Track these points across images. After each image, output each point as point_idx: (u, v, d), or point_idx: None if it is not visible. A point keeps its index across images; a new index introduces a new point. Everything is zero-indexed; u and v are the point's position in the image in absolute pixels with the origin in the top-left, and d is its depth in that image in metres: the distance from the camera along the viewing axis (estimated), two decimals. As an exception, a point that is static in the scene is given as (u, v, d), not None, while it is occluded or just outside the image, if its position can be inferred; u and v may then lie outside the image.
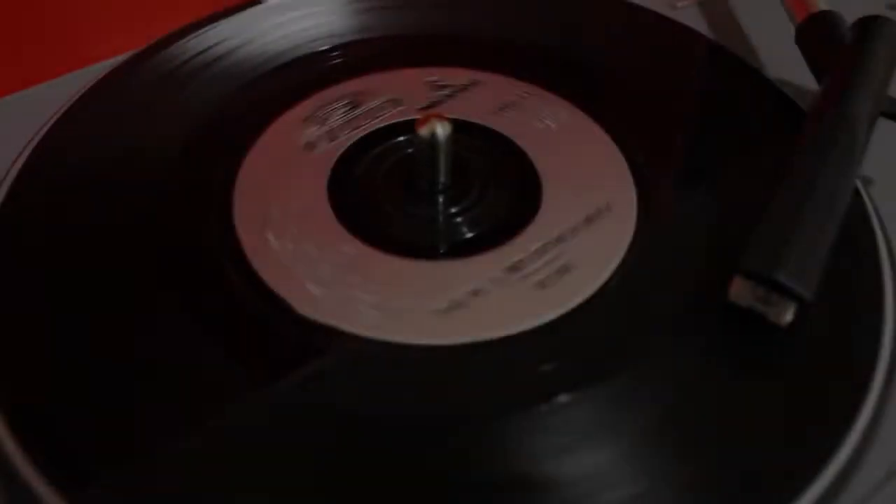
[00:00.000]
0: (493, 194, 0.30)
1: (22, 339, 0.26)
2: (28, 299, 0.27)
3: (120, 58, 0.35)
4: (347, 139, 0.31)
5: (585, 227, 0.28)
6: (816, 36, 0.34)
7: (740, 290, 0.26)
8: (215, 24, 0.36)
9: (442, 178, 0.29)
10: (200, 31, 0.35)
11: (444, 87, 0.33)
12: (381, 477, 0.23)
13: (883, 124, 0.31)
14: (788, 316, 0.25)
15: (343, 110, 0.32)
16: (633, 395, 0.24)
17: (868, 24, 0.32)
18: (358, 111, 0.32)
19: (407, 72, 0.34)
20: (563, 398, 0.24)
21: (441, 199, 0.29)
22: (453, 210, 0.29)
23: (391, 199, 0.29)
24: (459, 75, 0.34)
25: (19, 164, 0.30)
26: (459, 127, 0.30)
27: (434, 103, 0.32)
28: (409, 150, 0.31)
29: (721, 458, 0.23)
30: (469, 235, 0.28)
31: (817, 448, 0.24)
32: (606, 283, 0.27)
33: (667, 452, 0.23)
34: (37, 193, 0.29)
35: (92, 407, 0.24)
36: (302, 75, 0.34)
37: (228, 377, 0.24)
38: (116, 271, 0.27)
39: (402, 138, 0.31)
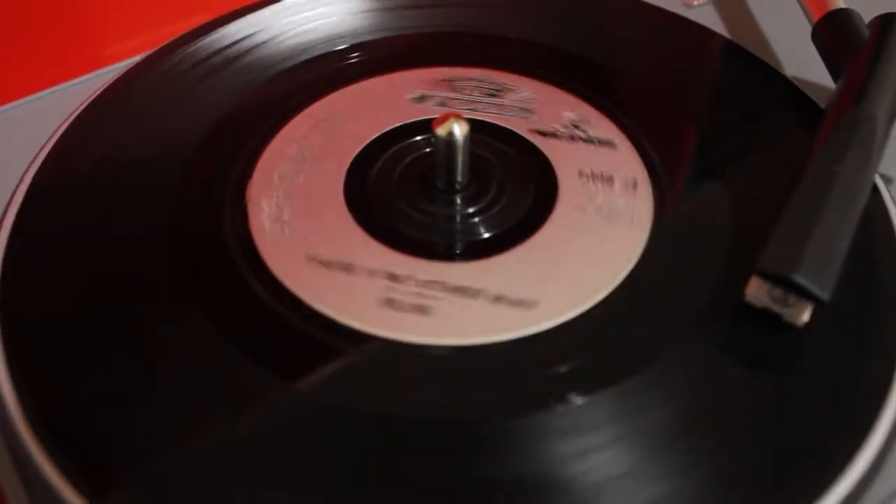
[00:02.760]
0: (509, 194, 0.30)
1: (42, 340, 0.26)
2: (49, 300, 0.27)
3: (138, 57, 0.35)
4: (365, 138, 0.31)
5: (600, 226, 0.28)
6: (833, 34, 0.34)
7: (756, 291, 0.26)
8: (231, 22, 0.36)
9: (459, 178, 0.29)
10: (216, 31, 0.35)
11: (462, 86, 0.33)
12: (390, 475, 0.23)
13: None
14: (805, 317, 0.25)
15: (360, 110, 0.32)
16: (648, 396, 0.24)
17: (885, 22, 0.32)
18: (375, 110, 0.32)
19: (425, 71, 0.34)
20: (577, 399, 0.24)
21: (458, 199, 0.29)
22: (470, 210, 0.29)
23: (409, 198, 0.29)
24: (477, 74, 0.34)
25: (37, 165, 0.30)
26: (477, 127, 0.30)
27: (452, 102, 0.33)
28: (428, 150, 0.31)
29: (736, 461, 0.23)
30: (485, 236, 0.28)
31: (837, 451, 0.23)
32: (621, 284, 0.27)
33: (681, 454, 0.23)
34: (55, 193, 0.30)
35: (113, 408, 0.24)
36: (319, 74, 0.34)
37: (247, 377, 0.25)
38: (134, 271, 0.27)
39: (419, 137, 0.31)
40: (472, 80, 0.34)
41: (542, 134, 0.32)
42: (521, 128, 0.32)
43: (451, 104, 0.32)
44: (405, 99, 0.33)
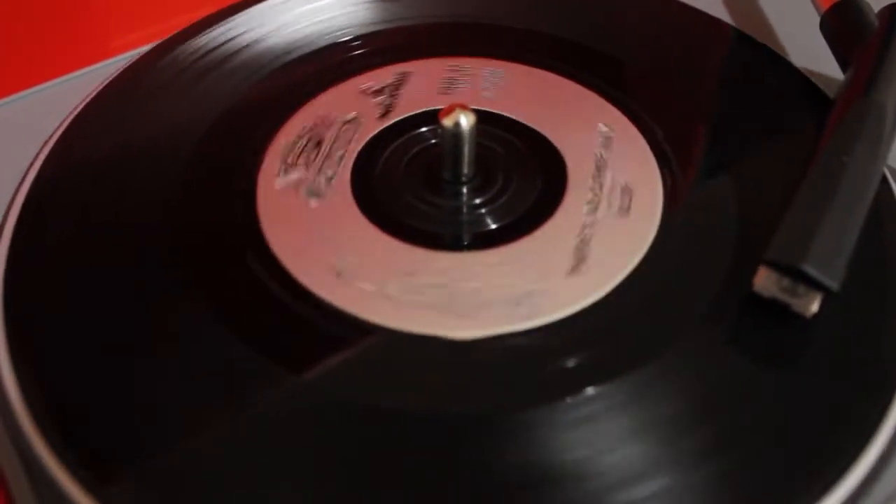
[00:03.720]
0: (517, 183, 0.30)
1: (46, 334, 0.26)
2: (54, 294, 0.27)
3: (143, 49, 0.35)
4: (371, 129, 0.31)
5: (610, 217, 0.28)
6: (842, 24, 0.34)
7: (765, 281, 0.25)
8: (236, 15, 0.36)
9: (465, 169, 0.29)
10: (221, 23, 0.35)
11: (464, 76, 0.33)
12: (399, 471, 0.23)
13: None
14: (814, 307, 0.25)
15: (388, 91, 0.32)
16: (656, 389, 0.24)
17: (894, 12, 0.32)
18: (400, 93, 0.32)
19: (429, 62, 0.34)
20: (588, 391, 0.24)
21: (465, 190, 0.29)
22: (477, 201, 0.29)
23: (415, 190, 0.29)
24: (481, 65, 0.34)
25: (43, 156, 0.30)
26: (484, 117, 0.30)
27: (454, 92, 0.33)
28: (434, 141, 0.31)
29: (744, 455, 0.23)
30: (494, 226, 0.28)
31: (845, 446, 0.23)
32: (631, 275, 0.27)
33: (689, 448, 0.23)
34: (60, 185, 0.30)
35: (118, 403, 0.24)
36: (324, 65, 0.34)
37: (254, 370, 0.25)
38: (140, 264, 0.27)
39: (426, 128, 0.31)
40: (464, 69, 0.33)
41: (542, 120, 0.31)
42: (519, 114, 0.32)
43: (448, 93, 0.32)
44: (407, 89, 0.33)
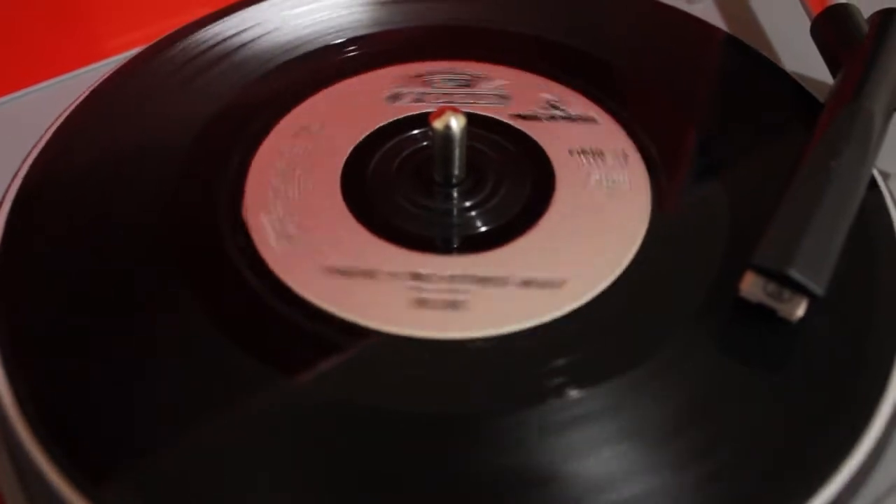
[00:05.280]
0: (507, 181, 0.30)
1: (38, 335, 0.26)
2: (46, 295, 0.27)
3: (136, 50, 0.35)
4: (361, 132, 0.31)
5: (597, 222, 0.28)
6: (832, 29, 0.34)
7: (751, 286, 0.25)
8: (228, 16, 0.36)
9: (456, 172, 0.29)
10: (213, 24, 0.35)
11: (460, 80, 0.33)
12: (393, 470, 0.23)
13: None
14: (800, 312, 0.25)
15: (357, 103, 0.32)
16: (642, 391, 0.24)
17: (885, 17, 0.32)
18: (373, 103, 0.32)
19: (423, 65, 0.34)
20: (574, 393, 0.24)
21: (457, 192, 0.29)
22: (471, 203, 0.29)
23: (404, 192, 0.29)
24: (475, 68, 0.34)
25: (32, 158, 0.30)
26: (474, 120, 0.30)
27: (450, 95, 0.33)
28: (425, 143, 0.31)
29: (730, 457, 0.23)
30: (483, 229, 0.28)
31: (833, 447, 0.23)
32: (617, 279, 0.27)
33: (679, 449, 0.23)
34: (52, 185, 0.30)
35: (111, 405, 0.24)
36: (317, 67, 0.34)
37: (243, 371, 0.25)
38: (130, 265, 0.27)
39: (416, 131, 0.31)
40: (441, 72, 0.34)
41: (523, 118, 0.32)
42: (500, 114, 0.32)
43: (426, 99, 0.32)
44: (381, 98, 0.33)
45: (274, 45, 0.35)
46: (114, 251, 0.28)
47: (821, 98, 0.32)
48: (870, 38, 0.32)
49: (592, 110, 0.32)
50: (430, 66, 0.34)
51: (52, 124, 0.32)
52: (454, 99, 0.32)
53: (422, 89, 0.33)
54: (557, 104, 0.32)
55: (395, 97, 0.33)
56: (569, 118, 0.32)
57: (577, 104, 0.32)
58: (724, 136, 0.32)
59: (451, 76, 0.33)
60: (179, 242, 0.28)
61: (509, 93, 0.33)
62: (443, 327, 0.25)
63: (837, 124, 0.29)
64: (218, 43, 0.35)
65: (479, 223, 0.29)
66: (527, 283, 0.26)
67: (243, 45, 0.35)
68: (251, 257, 0.27)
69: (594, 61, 0.34)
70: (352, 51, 0.35)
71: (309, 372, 0.25)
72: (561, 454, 0.23)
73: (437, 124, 0.28)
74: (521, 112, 0.32)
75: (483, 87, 0.33)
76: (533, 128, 0.31)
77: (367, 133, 0.31)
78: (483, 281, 0.27)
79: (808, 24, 0.35)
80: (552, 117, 0.32)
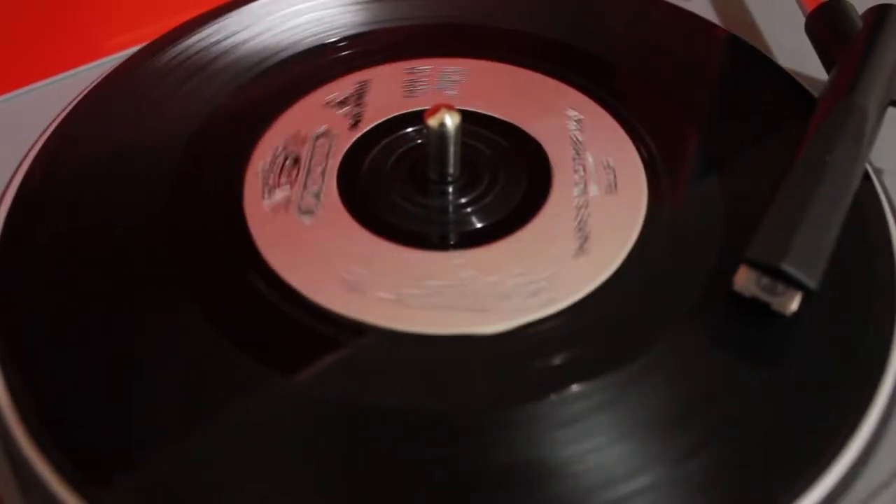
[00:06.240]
0: (503, 179, 0.30)
1: (36, 336, 0.26)
2: (44, 294, 0.27)
3: (134, 49, 0.35)
4: (358, 130, 0.31)
5: (594, 217, 0.29)
6: (826, 25, 0.34)
7: (745, 280, 0.26)
8: (226, 15, 0.36)
9: (451, 169, 0.29)
10: (211, 23, 0.36)
11: (452, 77, 0.33)
12: (393, 469, 0.23)
13: (893, 114, 0.30)
14: (793, 306, 0.25)
15: (352, 101, 0.32)
16: (638, 385, 0.24)
17: (879, 14, 0.32)
18: (365, 102, 0.32)
19: (415, 62, 0.34)
20: (573, 388, 0.24)
21: (454, 189, 0.29)
22: (467, 199, 0.29)
23: (404, 194, 0.29)
24: (468, 66, 0.34)
25: (33, 155, 0.30)
26: (469, 117, 0.30)
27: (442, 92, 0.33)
28: (413, 144, 0.31)
29: (725, 452, 0.23)
30: (480, 225, 0.29)
31: (828, 441, 0.24)
32: (614, 274, 0.27)
33: (675, 443, 0.23)
34: (51, 184, 0.30)
35: (109, 406, 0.24)
36: (315, 65, 0.34)
37: (243, 371, 0.25)
38: (129, 264, 0.27)
39: (411, 129, 0.31)
40: (442, 69, 0.34)
41: (520, 115, 0.32)
42: (498, 112, 0.32)
43: (428, 95, 0.33)
44: (383, 94, 0.33)
45: (271, 43, 0.35)
46: (113, 249, 0.28)
47: (816, 94, 0.32)
48: (864, 34, 0.32)
49: (593, 110, 0.32)
50: (432, 63, 0.34)
51: (52, 123, 0.32)
52: (453, 96, 0.33)
53: (420, 86, 0.33)
54: (558, 104, 0.32)
55: (396, 94, 0.33)
56: (569, 118, 0.32)
57: (578, 103, 0.32)
58: (718, 132, 0.32)
59: (452, 73, 0.33)
60: (178, 240, 0.28)
61: (509, 90, 0.33)
62: (432, 324, 0.26)
63: (831, 120, 0.29)
64: (216, 42, 0.35)
65: (473, 220, 0.29)
66: (514, 282, 0.27)
67: (241, 43, 0.35)
68: (248, 252, 0.27)
69: (591, 57, 0.35)
70: (348, 49, 0.35)
71: (303, 367, 0.25)
72: (557, 451, 0.23)
73: (432, 122, 0.28)
74: (519, 109, 0.32)
75: (483, 85, 0.33)
76: (533, 127, 0.31)
77: (366, 130, 0.31)
78: (475, 278, 0.27)
79: (802, 19, 0.35)
80: (553, 117, 0.32)
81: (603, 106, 0.32)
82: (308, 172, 0.30)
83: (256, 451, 0.23)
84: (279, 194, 0.29)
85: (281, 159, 0.30)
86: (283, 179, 0.30)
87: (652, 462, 0.23)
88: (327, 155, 0.30)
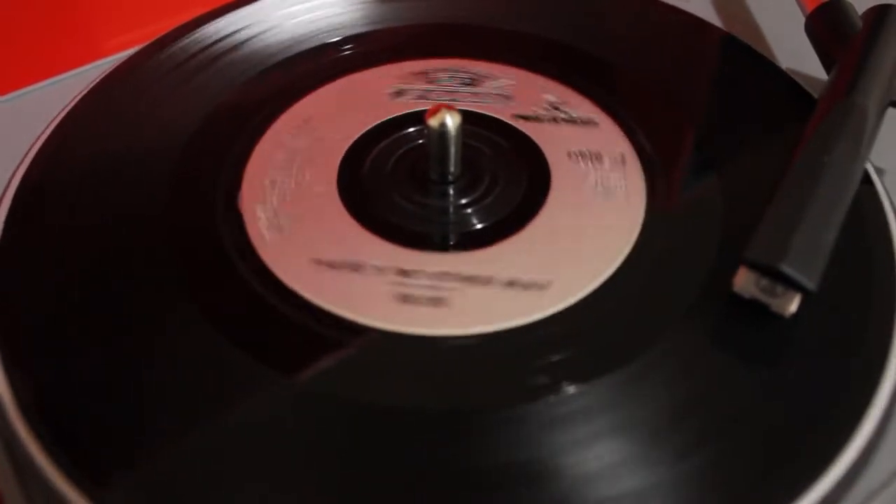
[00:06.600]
0: (503, 181, 0.30)
1: (37, 334, 0.26)
2: (45, 294, 0.27)
3: (135, 49, 0.35)
4: (361, 127, 0.31)
5: (594, 217, 0.29)
6: (826, 25, 0.34)
7: (744, 282, 0.26)
8: (227, 14, 0.36)
9: (452, 168, 0.29)
10: (211, 22, 0.36)
11: (463, 78, 0.33)
12: (390, 468, 0.23)
13: (893, 114, 0.30)
14: (793, 307, 0.25)
15: (359, 99, 0.33)
16: (638, 385, 0.24)
17: (878, 14, 0.32)
18: (375, 100, 0.32)
19: (416, 62, 0.34)
20: (570, 389, 0.24)
21: (453, 189, 0.29)
22: (467, 199, 0.29)
23: (399, 188, 0.30)
24: (472, 66, 0.34)
25: (33, 154, 0.30)
26: (470, 118, 0.30)
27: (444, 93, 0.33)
28: (413, 143, 0.31)
29: (724, 453, 0.23)
30: (474, 228, 0.29)
31: (827, 442, 0.24)
32: (614, 274, 0.27)
33: (673, 443, 0.23)
34: (51, 183, 0.30)
35: (111, 405, 0.24)
36: (317, 64, 0.34)
37: (242, 370, 0.25)
38: (129, 263, 0.28)
39: (412, 129, 0.31)
40: (446, 70, 0.34)
41: (524, 118, 0.32)
42: (502, 114, 0.32)
43: (429, 96, 0.33)
44: (383, 94, 0.33)
45: (273, 42, 0.35)
46: (113, 248, 0.28)
47: (815, 94, 0.32)
48: (863, 34, 0.32)
49: (592, 111, 0.32)
50: (434, 64, 0.34)
51: (52, 122, 0.32)
52: (457, 97, 0.33)
53: (425, 87, 0.33)
54: (559, 105, 0.32)
55: (398, 94, 0.33)
56: (569, 119, 0.32)
57: (578, 105, 0.32)
58: (719, 133, 0.32)
59: (455, 74, 0.33)
60: (178, 240, 0.28)
61: (512, 92, 0.33)
62: (423, 324, 0.26)
63: (831, 120, 0.29)
64: (216, 41, 0.35)
65: (471, 221, 0.29)
66: (511, 284, 0.27)
67: (241, 42, 0.35)
68: (244, 249, 0.27)
69: (593, 59, 0.35)
70: (353, 48, 0.35)
71: (302, 367, 0.25)
72: (552, 451, 0.23)
73: (433, 122, 0.28)
74: (523, 112, 0.32)
75: (486, 87, 0.33)
76: (533, 128, 0.31)
77: (367, 129, 0.31)
78: (468, 280, 0.27)
79: (802, 19, 0.35)
80: (553, 119, 0.32)
81: (602, 107, 0.32)
82: (308, 172, 0.30)
83: (256, 451, 0.23)
84: (278, 194, 0.29)
85: (281, 159, 0.30)
86: (283, 179, 0.30)
87: (652, 462, 0.23)
88: (327, 155, 0.30)
